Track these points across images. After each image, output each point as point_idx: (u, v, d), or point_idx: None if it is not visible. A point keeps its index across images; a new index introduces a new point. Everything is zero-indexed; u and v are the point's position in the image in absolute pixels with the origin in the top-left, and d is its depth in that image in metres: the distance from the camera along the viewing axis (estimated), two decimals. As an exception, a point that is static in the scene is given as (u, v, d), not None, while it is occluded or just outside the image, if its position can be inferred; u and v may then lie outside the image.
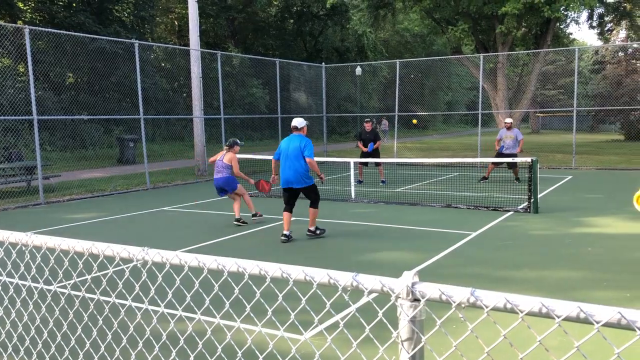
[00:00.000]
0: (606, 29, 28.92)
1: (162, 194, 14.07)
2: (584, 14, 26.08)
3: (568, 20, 26.07)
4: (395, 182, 15.13)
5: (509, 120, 14.23)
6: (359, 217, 10.01)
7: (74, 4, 27.45)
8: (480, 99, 20.37)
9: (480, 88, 20.88)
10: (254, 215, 9.77)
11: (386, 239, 8.31)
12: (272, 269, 1.56)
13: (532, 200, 10.14)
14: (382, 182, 14.92)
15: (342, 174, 16.36)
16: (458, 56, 24.44)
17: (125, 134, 23.16)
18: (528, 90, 23.53)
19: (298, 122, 8.27)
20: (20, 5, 28.01)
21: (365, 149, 14.78)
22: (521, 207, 10.51)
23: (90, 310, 2.23)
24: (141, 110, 14.91)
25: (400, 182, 15.11)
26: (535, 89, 24.62)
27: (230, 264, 1.65)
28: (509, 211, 10.27)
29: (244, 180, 9.91)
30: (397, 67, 21.61)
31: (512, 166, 14.13)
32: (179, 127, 28.35)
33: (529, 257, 7.08)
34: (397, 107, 21.59)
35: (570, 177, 15.80)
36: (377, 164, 14.95)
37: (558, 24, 24.55)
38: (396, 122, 21.63)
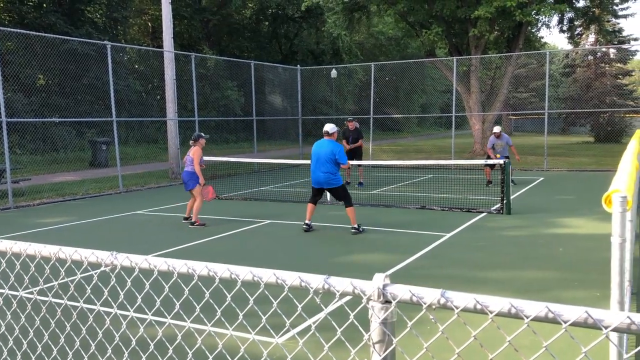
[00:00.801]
0: (576, 33, 29.50)
1: (135, 197, 13.89)
2: (555, 18, 26.53)
3: (539, 24, 26.51)
4: (371, 184, 15.19)
5: (497, 129, 14.24)
6: (334, 220, 10.02)
7: (45, 5, 26.96)
8: (453, 102, 20.58)
9: (454, 91, 21.10)
10: (192, 223, 9.59)
11: (361, 242, 8.33)
12: (243, 272, 1.55)
13: (504, 201, 10.27)
14: (360, 184, 14.95)
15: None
16: (432, 59, 24.67)
17: (98, 136, 22.81)
18: (501, 93, 23.86)
19: (329, 127, 8.95)
20: (-11, 5, 27.43)
21: (348, 146, 14.60)
22: (494, 208, 10.64)
23: (58, 316, 2.18)
24: (114, 112, 14.70)
25: (376, 184, 15.18)
26: (507, 91, 24.98)
27: (200, 267, 1.62)
28: (482, 212, 10.39)
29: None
30: (372, 70, 21.72)
31: (492, 167, 14.17)
32: (153, 129, 28.02)
33: (502, 258, 7.17)
34: (372, 110, 21.68)
35: (542, 178, 16.05)
36: (359, 165, 15.03)
37: (530, 28, 24.96)
38: (371, 125, 21.72)
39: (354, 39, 43.55)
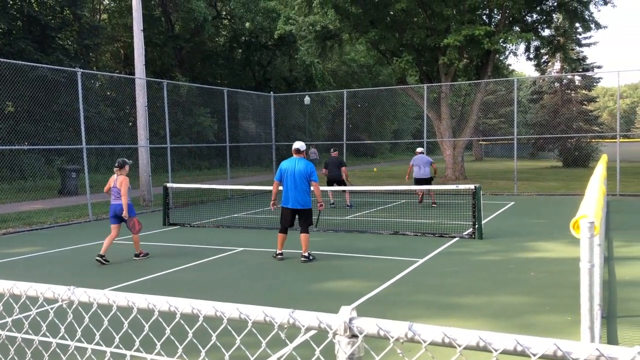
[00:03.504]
0: (542, 61, 30.34)
1: (105, 225, 13.55)
2: (522, 47, 27.23)
3: (507, 52, 27.18)
4: (345, 209, 15.18)
5: (419, 149, 16.27)
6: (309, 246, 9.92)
7: (14, 32, 26.66)
8: (425, 128, 20.85)
9: (425, 117, 21.39)
10: (136, 255, 9.20)
11: (335, 268, 8.27)
12: (206, 307, 1.49)
13: (476, 226, 10.35)
14: (349, 206, 15.76)
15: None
16: (403, 86, 25.02)
17: (68, 164, 22.42)
18: (470, 119, 24.25)
19: (301, 145, 8.82)
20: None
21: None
22: (466, 233, 10.70)
23: (11, 355, 2.07)
24: (83, 139, 14.48)
25: (349, 209, 15.17)
26: (477, 117, 25.44)
27: (161, 303, 1.56)
28: (454, 237, 10.44)
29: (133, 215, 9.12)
30: (345, 97, 21.92)
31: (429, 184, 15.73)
32: (124, 156, 27.63)
33: (474, 283, 7.17)
34: (345, 136, 21.81)
35: (512, 203, 16.25)
36: (343, 191, 15.76)
37: (498, 56, 25.56)
38: (345, 150, 21.82)
39: (327, 67, 44.03)
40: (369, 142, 43.90)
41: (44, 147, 19.46)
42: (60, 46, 29.32)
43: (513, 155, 19.94)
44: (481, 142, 49.52)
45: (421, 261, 8.47)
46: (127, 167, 9.06)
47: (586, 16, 24.25)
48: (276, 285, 7.47)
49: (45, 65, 16.30)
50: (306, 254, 8.66)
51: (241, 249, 9.83)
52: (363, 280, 7.44)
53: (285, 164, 8.68)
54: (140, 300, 1.58)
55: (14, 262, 9.26)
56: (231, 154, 21.04)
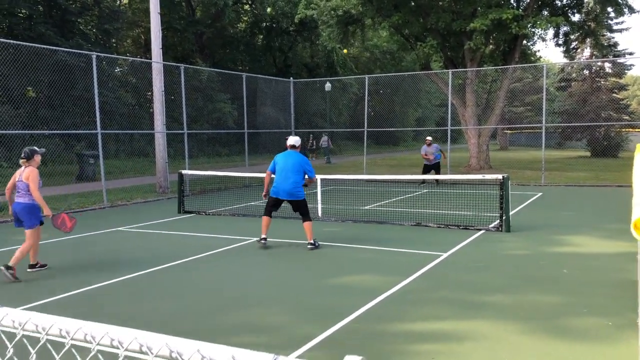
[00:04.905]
0: (571, 47, 29.29)
1: (119, 212, 13.36)
2: (550, 32, 26.28)
3: (535, 38, 26.27)
4: (364, 199, 14.69)
5: (429, 138, 17.81)
6: (325, 237, 9.51)
7: (35, 16, 26.54)
8: (449, 115, 20.21)
9: (449, 104, 20.73)
10: (32, 266, 7.42)
11: (353, 261, 7.84)
12: (157, 345, 1.06)
13: (504, 218, 9.81)
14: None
15: (309, 191, 15.85)
16: (427, 72, 24.34)
17: (87, 149, 22.28)
18: (497, 106, 23.50)
19: (296, 141, 8.90)
20: (-22, 16, 27.00)
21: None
22: (492, 225, 10.17)
23: None
24: (98, 125, 14.20)
25: (369, 199, 14.67)
26: (503, 105, 24.63)
27: (101, 333, 1.14)
28: (480, 230, 9.91)
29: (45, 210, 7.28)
30: (367, 83, 21.34)
31: (437, 171, 17.69)
32: (144, 142, 27.49)
33: (503, 280, 6.68)
34: (366, 123, 21.27)
35: (540, 193, 15.61)
36: None
37: (525, 42, 24.69)
38: (365, 138, 21.29)
39: (349, 54, 43.33)
40: (390, 129, 43.23)
41: (60, 132, 19.28)
42: (80, 31, 29.16)
43: (540, 144, 19.22)
44: (506, 131, 48.46)
45: (445, 255, 7.98)
46: (37, 158, 7.21)
47: (619, 0, 23.22)
48: (290, 278, 7.07)
49: (61, 49, 16.04)
50: (312, 241, 8.60)
51: (256, 238, 9.43)
52: (382, 275, 7.00)
53: (280, 156, 8.78)
54: (75, 329, 1.16)
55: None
56: (250, 141, 20.67)
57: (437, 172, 17.57)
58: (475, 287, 6.38)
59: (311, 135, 29.61)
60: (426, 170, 17.67)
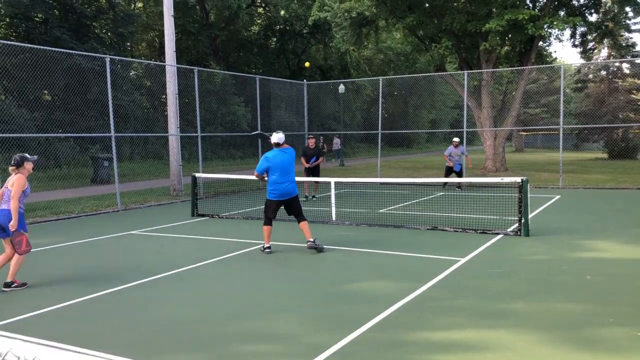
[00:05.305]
0: (588, 47, 28.86)
1: (132, 215, 13.32)
2: (567, 32, 25.90)
3: (552, 39, 25.93)
4: (379, 202, 14.51)
5: (456, 140, 17.16)
6: (339, 241, 9.36)
7: (51, 20, 26.71)
8: (464, 117, 19.96)
9: (465, 106, 20.48)
10: (7, 285, 6.74)
11: (368, 266, 7.67)
12: None
13: (522, 222, 9.59)
14: (313, 197, 15.48)
15: (323, 194, 15.74)
16: (442, 73, 24.11)
17: (101, 152, 22.35)
18: (513, 108, 23.21)
19: (279, 138, 8.51)
20: (-6, 21, 27.24)
21: (306, 164, 15.07)
22: (511, 229, 9.94)
23: None
24: (112, 128, 14.18)
25: (384, 202, 14.49)
26: (519, 106, 24.30)
27: None
28: (498, 234, 9.70)
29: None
30: (381, 85, 21.16)
31: (460, 174, 17.02)
32: (158, 145, 27.55)
33: (523, 287, 6.48)
34: (380, 125, 21.09)
35: (558, 196, 15.33)
36: (316, 182, 15.39)
37: (541, 42, 24.36)
38: (379, 140, 21.11)
39: (362, 55, 43.17)
40: (404, 131, 42.99)
41: (74, 135, 19.32)
42: (95, 35, 29.32)
43: (556, 146, 19.00)
44: (521, 133, 47.98)
45: (463, 260, 7.79)
46: (27, 165, 6.81)
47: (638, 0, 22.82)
48: (303, 284, 6.92)
49: (75, 52, 16.02)
50: (312, 239, 8.47)
51: (270, 242, 9.30)
52: (398, 281, 6.83)
53: (273, 157, 8.40)
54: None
55: (35, 253, 8.94)
56: (263, 143, 20.56)
57: (460, 176, 17.02)
58: (495, 294, 6.19)
59: (322, 137, 29.48)
60: (448, 172, 17.15)
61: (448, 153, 17.13)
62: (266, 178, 8.60)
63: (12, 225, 6.57)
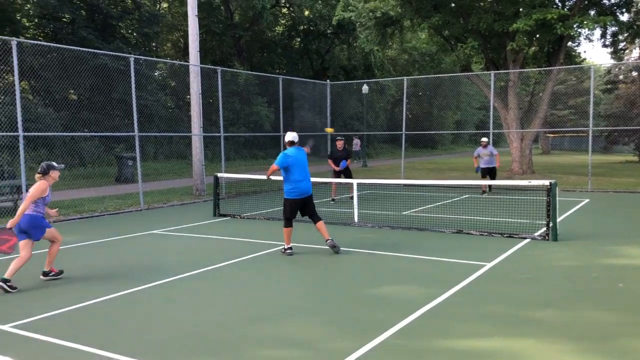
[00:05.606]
0: (619, 47, 28.17)
1: (155, 215, 13.33)
2: (597, 32, 25.28)
3: (581, 38, 25.35)
4: (402, 204, 14.29)
5: (484, 140, 16.57)
6: (361, 244, 9.20)
7: (77, 20, 27.05)
8: (491, 118, 19.61)
9: (491, 107, 20.12)
10: (46, 274, 7.13)
11: (392, 270, 7.50)
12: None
13: (550, 226, 9.31)
14: (350, 198, 14.45)
15: (343, 195, 15.58)
16: (468, 73, 23.75)
17: (126, 152, 22.53)
18: (540, 109, 22.74)
19: (294, 136, 8.60)
20: (25, 21, 27.68)
21: (337, 168, 14.65)
22: (538, 233, 9.67)
23: None
24: (136, 127, 14.23)
25: (408, 204, 14.27)
26: (547, 108, 23.80)
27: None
28: (525, 238, 9.43)
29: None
30: (405, 85, 20.92)
31: (493, 177, 16.28)
32: (183, 145, 27.71)
33: (552, 294, 6.25)
34: (404, 126, 20.85)
35: (587, 200, 14.92)
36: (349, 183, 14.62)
37: (570, 42, 23.83)
38: (403, 141, 20.86)
39: (387, 55, 42.87)
40: (429, 132, 42.57)
41: (99, 134, 19.49)
42: (120, 35, 29.61)
43: (583, 148, 18.53)
44: (548, 135, 47.16)
45: (489, 265, 7.56)
46: (53, 174, 6.90)
47: (671, -3, 22.20)
48: (324, 287, 6.78)
49: (100, 51, 16.12)
50: (330, 238, 8.44)
51: (291, 244, 9.19)
52: (422, 286, 6.65)
53: (292, 154, 8.40)
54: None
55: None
56: (285, 143, 20.48)
57: (493, 178, 16.28)
58: (522, 301, 5.97)
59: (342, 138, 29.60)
60: (484, 174, 16.43)
61: (477, 154, 16.56)
62: (280, 177, 8.60)
63: (10, 222, 6.64)
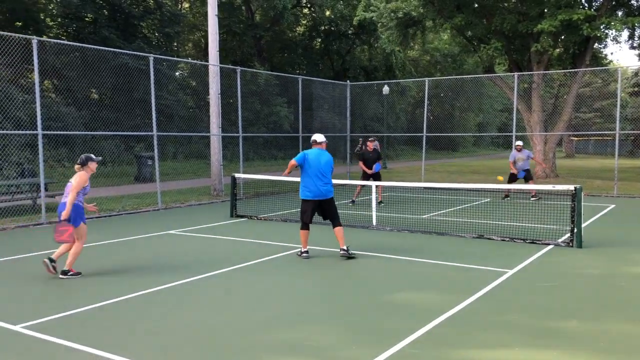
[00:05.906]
0: (647, 49, 27.53)
1: (172, 215, 13.29)
2: (625, 33, 24.72)
3: (608, 40, 24.80)
4: (422, 207, 14.05)
5: (519, 143, 15.48)
6: (379, 248, 9.01)
7: (99, 20, 27.27)
8: (514, 121, 19.25)
9: (515, 109, 19.76)
10: (65, 273, 7.17)
11: (410, 276, 7.31)
12: None
13: (574, 232, 9.02)
14: (380, 202, 14.27)
15: (362, 197, 15.39)
16: (491, 75, 23.40)
17: (145, 151, 22.61)
18: (565, 112, 22.29)
19: (321, 137, 8.51)
20: (48, 21, 27.99)
21: (370, 171, 14.28)
22: (562, 240, 9.38)
23: None
24: (154, 127, 14.21)
25: (427, 208, 14.02)
26: (571, 111, 23.33)
27: None
28: (548, 244, 9.16)
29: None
30: (426, 86, 20.65)
31: (528, 179, 15.45)
32: (202, 145, 27.75)
33: (577, 304, 6.01)
34: (425, 128, 20.59)
35: (612, 205, 14.53)
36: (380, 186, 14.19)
37: (597, 44, 23.35)
38: (424, 143, 20.60)
39: (408, 56, 42.54)
40: (451, 134, 42.11)
41: (118, 133, 19.58)
42: (142, 34, 29.77)
43: (609, 152, 18.10)
44: (572, 138, 46.35)
45: (510, 272, 7.33)
46: (91, 165, 7.19)
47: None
48: (340, 292, 6.62)
49: (121, 51, 16.16)
50: (345, 247, 8.20)
51: (308, 247, 9.04)
52: (442, 293, 6.45)
53: (312, 154, 8.29)
54: None
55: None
56: (305, 145, 20.36)
57: (529, 180, 15.57)
58: (545, 311, 5.75)
59: (360, 139, 29.36)
60: (513, 179, 15.47)
61: (512, 159, 15.35)
62: (299, 178, 8.48)
63: (64, 214, 6.97)
